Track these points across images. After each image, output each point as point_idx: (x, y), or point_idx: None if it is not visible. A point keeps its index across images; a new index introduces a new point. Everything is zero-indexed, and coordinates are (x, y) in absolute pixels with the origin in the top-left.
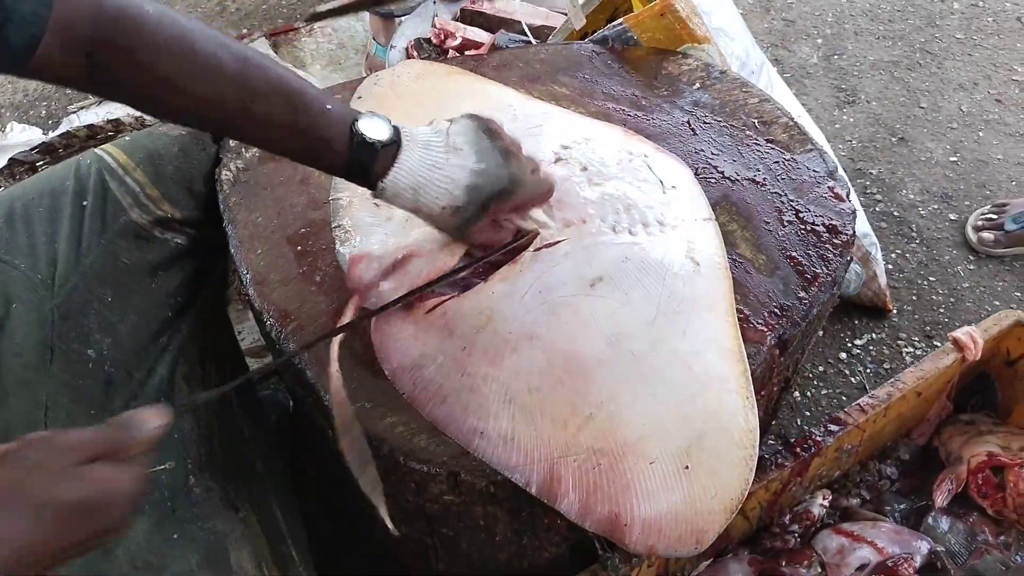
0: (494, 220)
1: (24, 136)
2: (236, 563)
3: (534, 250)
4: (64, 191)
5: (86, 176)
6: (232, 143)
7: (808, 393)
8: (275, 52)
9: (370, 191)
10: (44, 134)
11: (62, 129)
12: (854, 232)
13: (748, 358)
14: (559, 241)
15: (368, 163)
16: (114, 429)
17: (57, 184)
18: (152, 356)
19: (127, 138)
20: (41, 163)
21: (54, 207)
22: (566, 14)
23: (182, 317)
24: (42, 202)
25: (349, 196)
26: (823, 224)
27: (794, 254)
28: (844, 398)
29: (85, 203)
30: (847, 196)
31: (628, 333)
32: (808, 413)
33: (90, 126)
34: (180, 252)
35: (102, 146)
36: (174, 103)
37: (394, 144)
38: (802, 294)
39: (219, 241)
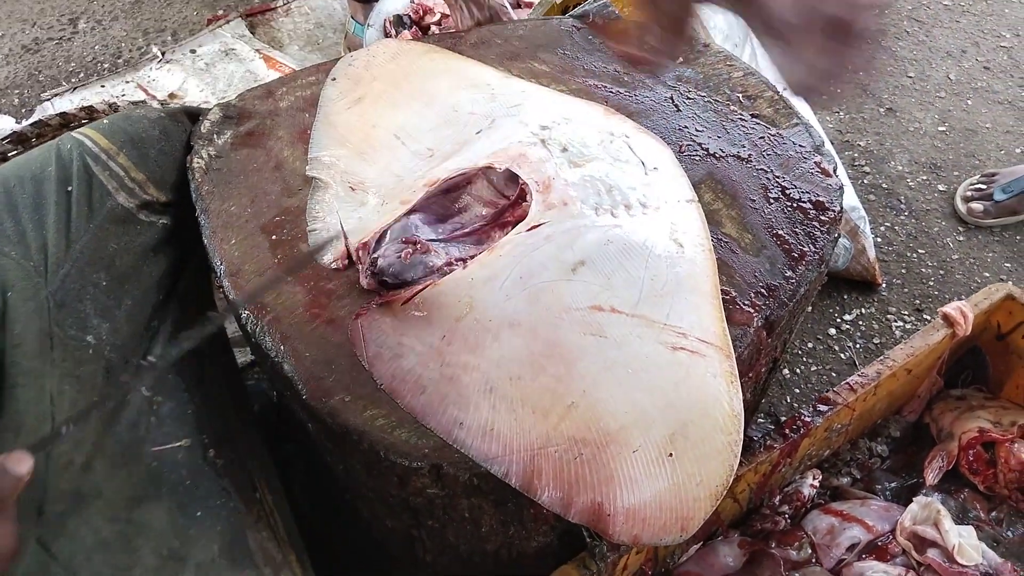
0: None
1: None
2: (255, 545)
3: (515, 233)
4: (47, 177)
5: (68, 161)
6: (204, 129)
7: (797, 370)
8: (251, 33)
9: None
10: (17, 123)
11: (35, 118)
12: (841, 208)
13: (734, 340)
14: (541, 224)
15: None
16: None
17: (38, 170)
18: (146, 341)
19: (105, 122)
20: (13, 152)
21: (38, 193)
22: None
23: (169, 301)
24: (24, 188)
25: (329, 163)
26: (810, 200)
27: (781, 232)
28: (834, 374)
29: (70, 188)
30: (834, 171)
31: (610, 318)
32: (798, 390)
33: (63, 114)
34: (166, 235)
35: (79, 130)
36: None
37: None
38: (789, 273)
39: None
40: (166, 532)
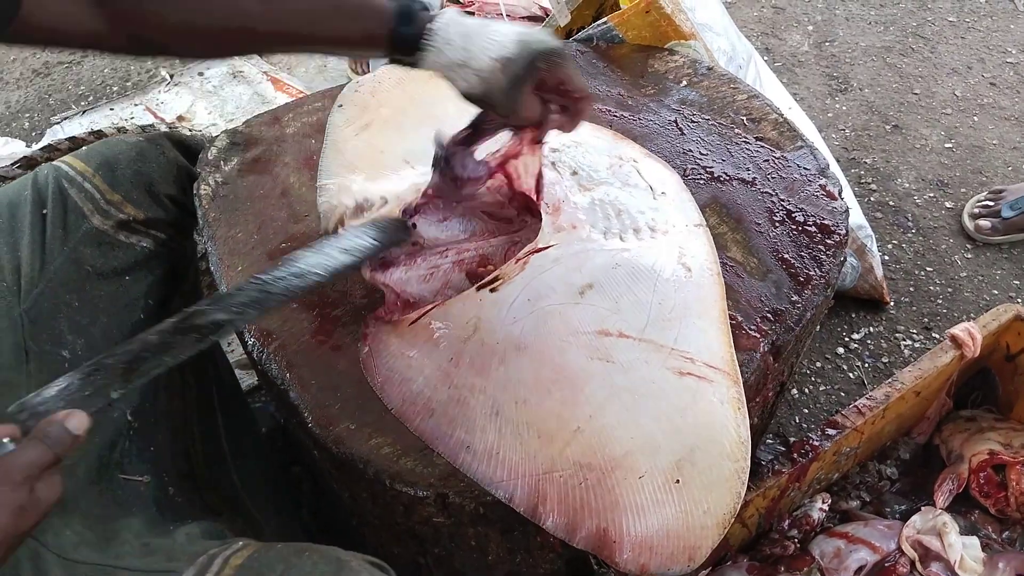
0: (540, 95)
1: (7, 149)
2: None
3: (517, 260)
4: (22, 201)
5: (44, 186)
6: (210, 156)
7: (806, 390)
8: (260, 56)
9: (411, 56)
10: (27, 146)
11: (45, 142)
12: (847, 231)
13: (741, 366)
14: (550, 246)
15: (414, 12)
16: (43, 443)
17: (14, 196)
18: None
19: (84, 148)
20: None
21: (13, 218)
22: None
23: (154, 322)
24: (0, 214)
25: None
26: (815, 224)
27: (786, 256)
28: (843, 394)
29: (45, 211)
30: (839, 194)
31: (618, 343)
32: (806, 411)
33: (72, 138)
34: (147, 255)
35: (60, 159)
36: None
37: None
38: (795, 297)
39: (190, 247)
40: (143, 534)
